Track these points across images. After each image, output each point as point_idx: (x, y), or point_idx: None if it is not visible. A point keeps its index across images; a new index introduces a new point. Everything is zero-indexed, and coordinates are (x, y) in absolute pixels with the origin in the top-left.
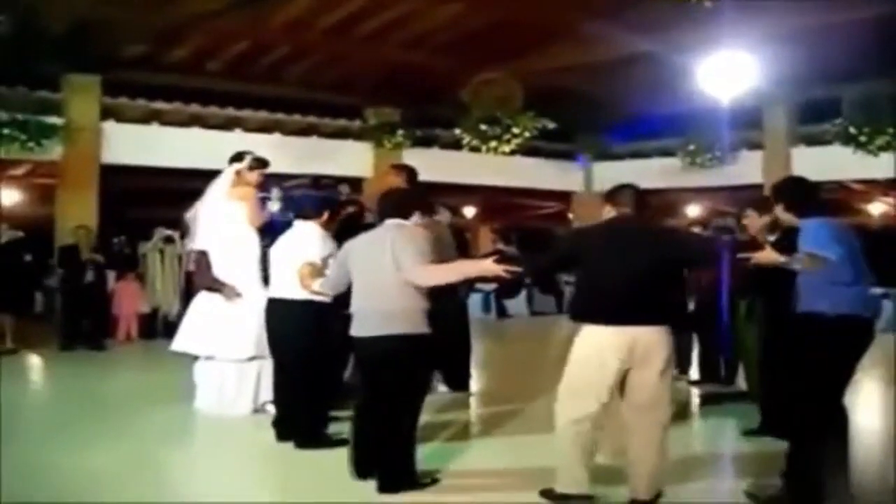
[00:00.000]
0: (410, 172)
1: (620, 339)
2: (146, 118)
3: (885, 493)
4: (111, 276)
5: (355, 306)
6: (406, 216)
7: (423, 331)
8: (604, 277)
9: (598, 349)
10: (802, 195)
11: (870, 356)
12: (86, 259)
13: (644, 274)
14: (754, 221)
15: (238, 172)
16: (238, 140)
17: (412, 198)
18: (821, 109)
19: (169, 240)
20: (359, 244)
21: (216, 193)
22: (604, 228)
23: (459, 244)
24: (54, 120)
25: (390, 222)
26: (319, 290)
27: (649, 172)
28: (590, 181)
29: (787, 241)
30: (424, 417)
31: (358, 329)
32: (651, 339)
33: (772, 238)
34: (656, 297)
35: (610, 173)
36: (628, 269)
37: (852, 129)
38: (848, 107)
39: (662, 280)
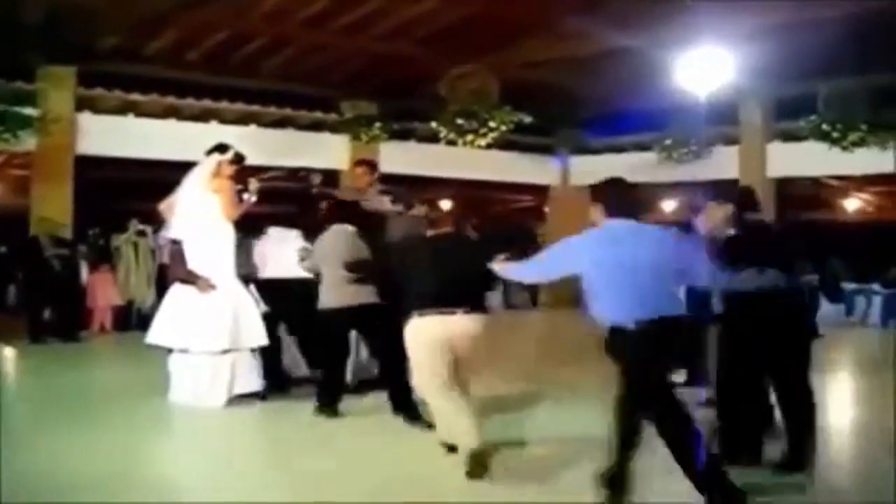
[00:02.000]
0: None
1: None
2: (122, 109)
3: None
4: (84, 267)
5: None
6: None
7: None
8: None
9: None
10: (613, 196)
11: (842, 349)
12: (49, 254)
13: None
14: (714, 214)
15: (219, 164)
16: (214, 132)
17: None
18: (796, 105)
19: (142, 233)
20: None
21: (195, 184)
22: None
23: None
24: (29, 111)
25: None
26: None
27: (625, 167)
28: (566, 175)
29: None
30: None
31: None
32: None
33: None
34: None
35: (586, 168)
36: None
37: (826, 126)
38: (822, 103)
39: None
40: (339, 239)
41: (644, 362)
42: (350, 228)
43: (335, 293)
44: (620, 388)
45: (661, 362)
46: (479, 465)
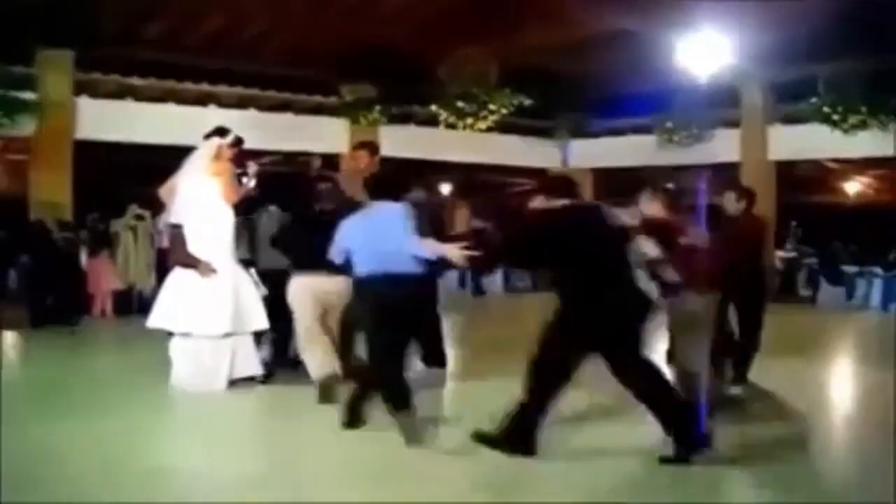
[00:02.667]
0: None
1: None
2: (120, 93)
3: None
4: (83, 252)
5: None
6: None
7: None
8: None
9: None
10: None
11: (843, 334)
12: (56, 237)
13: None
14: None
15: (219, 147)
16: (213, 116)
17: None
18: (798, 88)
19: (140, 217)
20: None
21: (195, 168)
22: None
23: (434, 221)
24: (27, 95)
25: None
26: None
27: (626, 150)
28: (566, 159)
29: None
30: None
31: None
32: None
33: None
34: None
35: (587, 151)
36: None
37: (826, 108)
38: (823, 85)
39: None
40: None
41: (370, 299)
42: None
43: None
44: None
45: (383, 299)
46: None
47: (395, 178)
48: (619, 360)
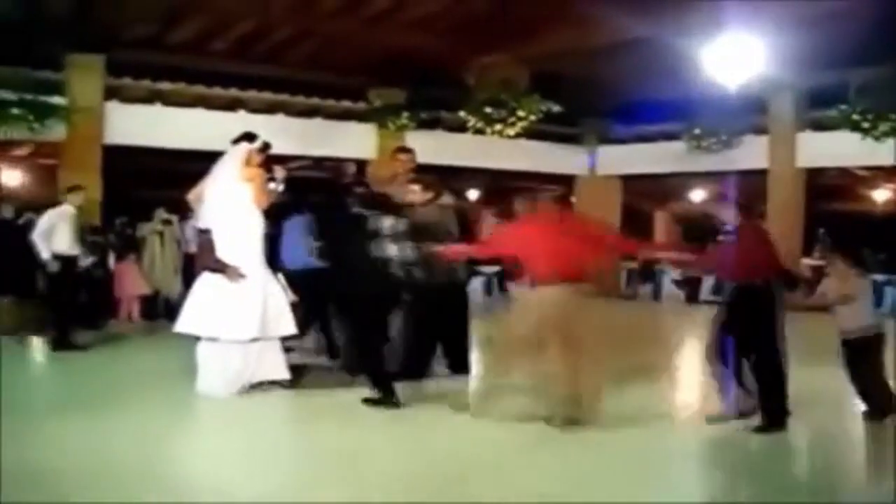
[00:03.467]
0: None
1: None
2: (150, 98)
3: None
4: (111, 256)
5: None
6: None
7: None
8: None
9: None
10: None
11: None
12: (89, 240)
13: None
14: None
15: (249, 152)
16: (241, 121)
17: None
18: (828, 95)
19: (167, 222)
20: None
21: (226, 173)
22: None
23: (462, 226)
24: (57, 100)
25: None
26: None
27: (654, 156)
28: (594, 165)
29: None
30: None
31: None
32: None
33: None
34: None
35: (614, 157)
36: None
37: (856, 116)
38: (853, 92)
39: None
40: None
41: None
42: None
43: None
44: None
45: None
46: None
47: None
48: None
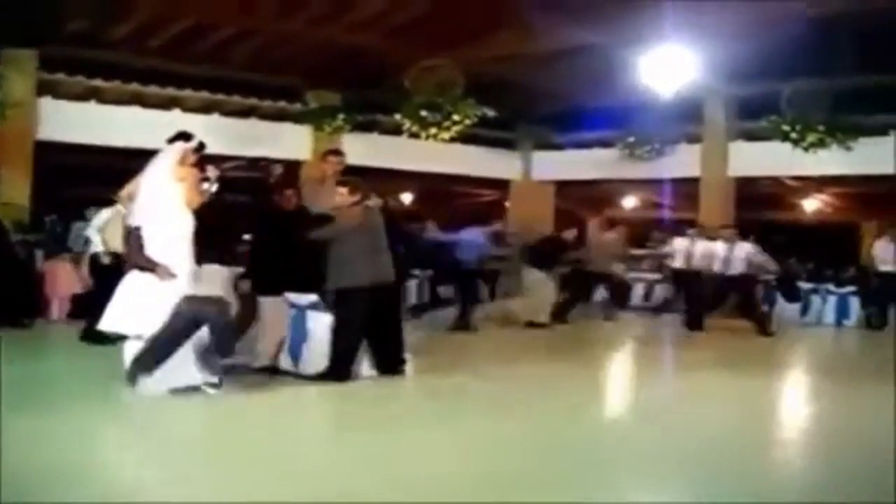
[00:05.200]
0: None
1: None
2: (84, 95)
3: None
4: (40, 255)
5: None
6: None
7: None
8: None
9: None
10: None
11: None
12: (15, 240)
13: None
14: None
15: (184, 152)
16: (177, 120)
17: None
18: (759, 105)
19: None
20: None
21: (160, 172)
22: None
23: (392, 229)
24: None
25: None
26: None
27: (588, 163)
28: (529, 170)
29: None
30: None
31: None
32: None
33: None
34: None
35: (549, 163)
36: None
37: (785, 126)
38: (784, 103)
39: None
40: None
41: None
42: None
43: None
44: None
45: None
46: None
47: None
48: None
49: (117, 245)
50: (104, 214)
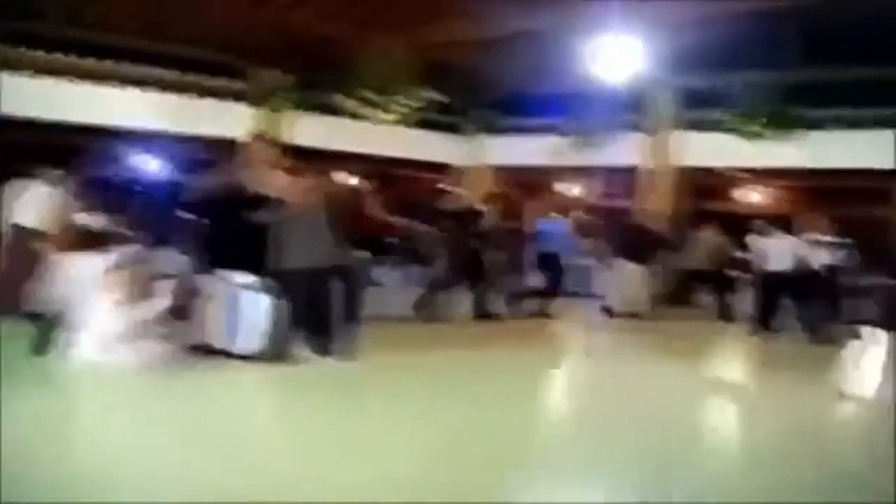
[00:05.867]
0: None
1: None
2: (13, 67)
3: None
4: None
5: None
6: None
7: None
8: None
9: None
10: None
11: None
12: None
13: None
14: None
15: None
16: (116, 95)
17: None
18: (706, 96)
19: None
20: None
21: None
22: None
23: (334, 209)
24: None
25: None
26: None
27: (534, 149)
28: (474, 155)
29: None
30: None
31: None
32: None
33: None
34: None
35: (495, 148)
36: None
37: (729, 117)
38: (728, 95)
39: None
40: None
41: None
42: None
43: None
44: None
45: None
46: None
47: None
48: None
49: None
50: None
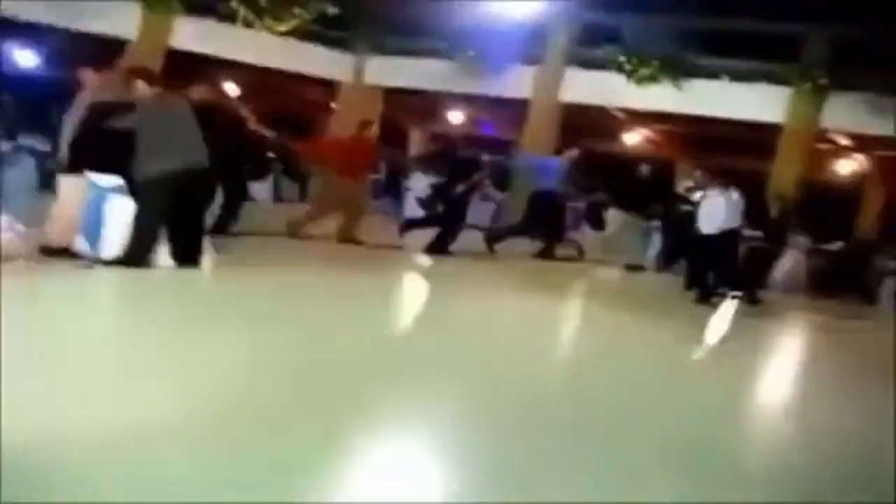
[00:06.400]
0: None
1: None
2: None
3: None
4: None
5: None
6: None
7: None
8: None
9: None
10: None
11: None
12: None
13: None
14: None
15: None
16: None
17: None
18: (602, 35)
19: None
20: None
21: None
22: None
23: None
24: None
25: None
26: None
27: (422, 72)
28: (361, 73)
29: None
30: None
31: None
32: None
33: None
34: None
35: (382, 68)
36: None
37: (621, 58)
38: (624, 36)
39: None
40: None
41: None
42: None
43: None
44: None
45: None
46: None
47: None
48: None
49: None
50: None
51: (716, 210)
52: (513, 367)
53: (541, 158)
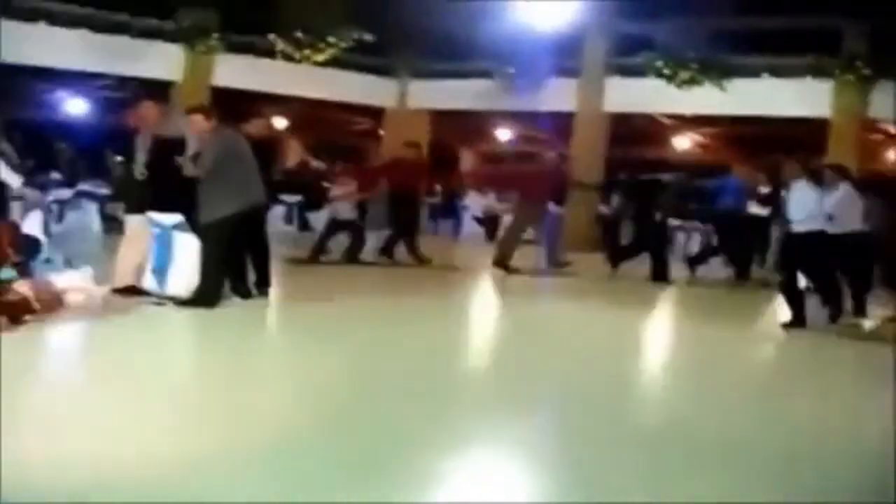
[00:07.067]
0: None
1: None
2: None
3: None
4: None
5: None
6: None
7: None
8: None
9: None
10: None
11: None
12: None
13: None
14: None
15: None
16: (44, 34)
17: None
18: (638, 42)
19: None
20: None
21: None
22: None
23: (261, 153)
24: None
25: None
26: None
27: (465, 93)
28: (404, 98)
29: None
30: None
31: None
32: None
33: None
34: None
35: (426, 91)
36: None
37: (659, 63)
38: (661, 41)
39: None
40: None
41: None
42: None
43: None
44: None
45: None
46: None
47: None
48: None
49: None
50: None
51: (855, 211)
52: None
53: (721, 178)
